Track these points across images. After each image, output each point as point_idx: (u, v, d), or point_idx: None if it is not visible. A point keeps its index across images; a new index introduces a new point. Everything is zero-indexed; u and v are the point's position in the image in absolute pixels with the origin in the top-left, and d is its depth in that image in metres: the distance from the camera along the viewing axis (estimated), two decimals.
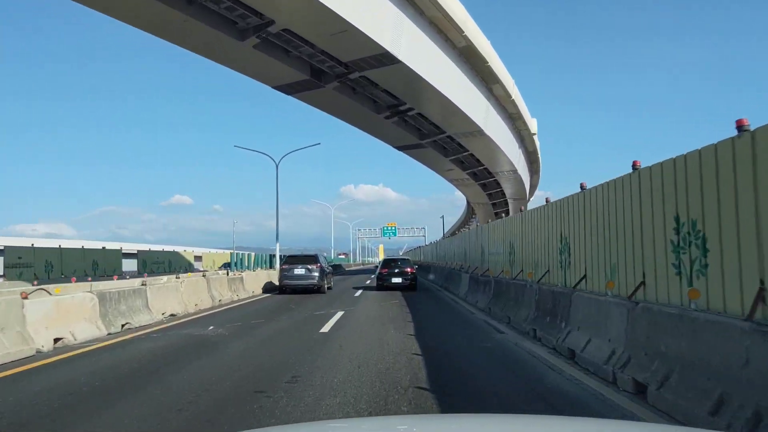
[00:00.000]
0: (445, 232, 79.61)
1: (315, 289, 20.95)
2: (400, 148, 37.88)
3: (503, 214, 57.13)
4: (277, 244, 33.56)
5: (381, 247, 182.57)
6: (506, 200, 59.76)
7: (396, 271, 23.01)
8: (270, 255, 35.25)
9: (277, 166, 33.01)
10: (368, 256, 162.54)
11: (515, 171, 46.77)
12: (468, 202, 78.06)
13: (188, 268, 40.23)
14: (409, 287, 22.50)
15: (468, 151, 39.05)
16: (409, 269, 23.12)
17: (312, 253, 24.07)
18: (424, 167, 45.82)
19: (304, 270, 20.82)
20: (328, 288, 22.71)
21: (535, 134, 45.27)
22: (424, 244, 60.69)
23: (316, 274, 20.80)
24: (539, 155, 52.80)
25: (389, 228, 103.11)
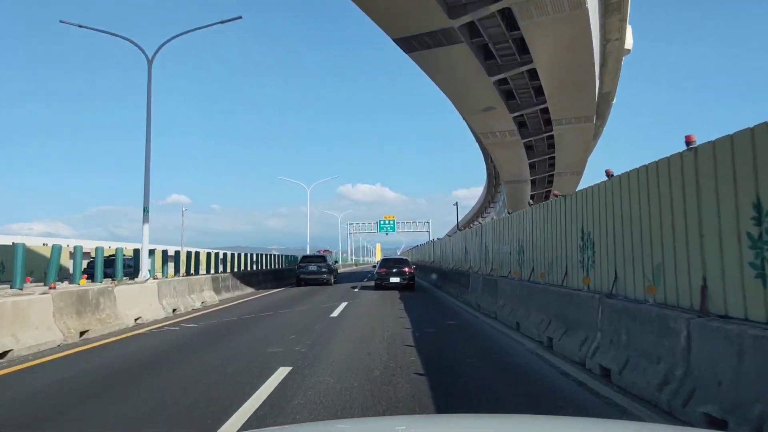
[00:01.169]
0: (459, 222, 62.14)
1: (324, 282, 24.49)
2: (404, 41, 19.60)
3: (533, 200, 39.59)
4: (145, 229, 15.91)
5: (378, 245, 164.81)
6: (552, 175, 42.20)
7: (394, 270, 22.56)
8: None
9: (149, 62, 17.20)
10: (365, 256, 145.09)
11: (589, 118, 29.39)
12: (489, 183, 59.50)
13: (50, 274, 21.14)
14: (407, 287, 21.99)
15: (530, 60, 21.42)
16: (407, 269, 22.66)
17: (321, 254, 29.90)
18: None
19: (315, 267, 24.94)
20: (334, 281, 26.28)
21: (628, 52, 27.72)
22: (430, 240, 42.16)
23: (325, 270, 24.91)
24: (613, 100, 35.34)
25: (387, 222, 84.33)
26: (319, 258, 26.17)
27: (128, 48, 17.77)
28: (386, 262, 23.70)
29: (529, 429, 2.00)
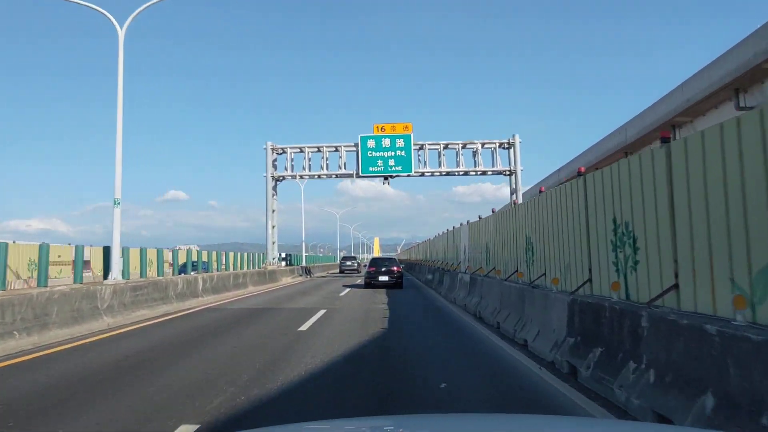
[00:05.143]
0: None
1: (356, 272, 42.09)
2: None
3: None
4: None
5: (377, 240, 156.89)
6: None
7: (383, 269, 23.51)
8: None
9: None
10: (364, 253, 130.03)
11: None
12: None
13: None
14: (396, 285, 22.94)
15: None
16: (395, 268, 23.61)
17: (354, 255, 66.71)
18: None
19: (350, 263, 45.25)
20: (359, 273, 41.42)
21: None
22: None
23: (357, 264, 45.57)
24: None
25: (384, 144, 31.28)
26: (353, 258, 48.68)
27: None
28: (375, 262, 24.95)
29: (524, 429, 2.01)
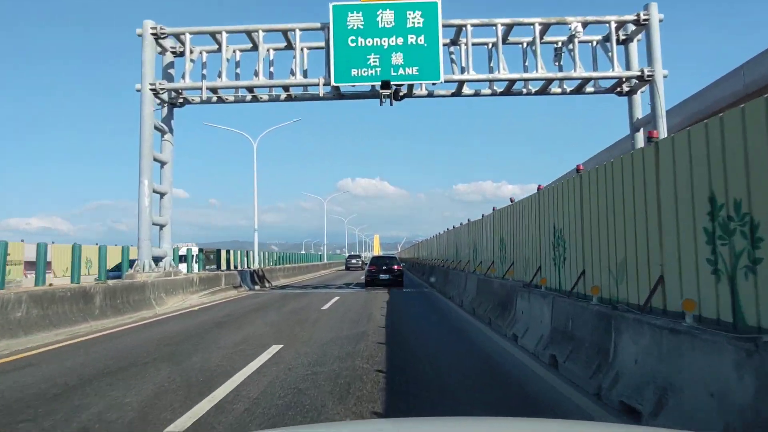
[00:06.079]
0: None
1: (359, 269, 45.25)
2: None
3: None
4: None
5: (377, 237, 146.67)
6: None
7: (384, 268, 23.42)
8: None
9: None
10: (363, 250, 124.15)
11: None
12: None
13: None
14: (396, 283, 22.76)
15: None
16: (396, 267, 23.57)
17: (359, 253, 68.93)
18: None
19: (355, 260, 54.38)
20: (362, 269, 41.10)
21: None
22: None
23: (361, 262, 53.60)
24: None
25: (380, 32, 15.18)
26: (357, 256, 59.98)
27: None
28: (376, 261, 25.73)
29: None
